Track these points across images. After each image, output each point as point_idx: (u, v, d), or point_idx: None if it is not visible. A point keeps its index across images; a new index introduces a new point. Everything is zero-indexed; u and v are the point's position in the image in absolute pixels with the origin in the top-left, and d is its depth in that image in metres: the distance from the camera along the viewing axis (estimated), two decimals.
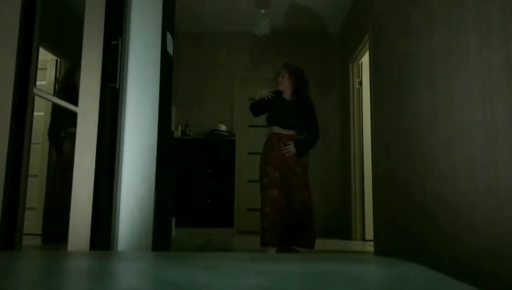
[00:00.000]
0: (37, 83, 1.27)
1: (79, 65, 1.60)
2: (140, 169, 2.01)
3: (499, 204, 1.55)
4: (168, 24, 2.51)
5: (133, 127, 1.90)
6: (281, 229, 2.95)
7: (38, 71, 1.27)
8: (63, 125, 1.69)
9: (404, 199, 2.60)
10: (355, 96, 4.31)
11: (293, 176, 3.03)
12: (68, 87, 1.71)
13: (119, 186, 1.75)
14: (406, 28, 2.62)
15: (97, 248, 1.63)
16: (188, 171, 4.62)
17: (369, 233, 3.92)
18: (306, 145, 3.12)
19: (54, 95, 1.56)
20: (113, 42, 1.78)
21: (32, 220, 1.46)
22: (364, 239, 4.07)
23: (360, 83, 4.29)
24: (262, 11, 4.36)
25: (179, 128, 4.78)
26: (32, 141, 1.25)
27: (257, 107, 3.26)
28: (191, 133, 4.82)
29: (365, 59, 4.09)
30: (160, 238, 2.30)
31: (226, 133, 4.79)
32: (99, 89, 1.70)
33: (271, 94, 3.19)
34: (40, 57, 1.29)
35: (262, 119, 3.33)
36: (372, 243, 3.55)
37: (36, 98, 1.28)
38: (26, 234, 1.23)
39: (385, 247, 3.04)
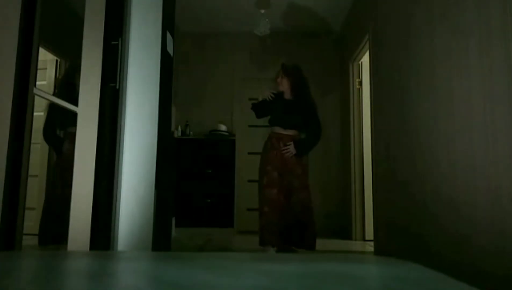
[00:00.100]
0: (37, 83, 1.27)
1: (79, 65, 1.60)
2: (140, 169, 2.01)
3: (499, 204, 1.55)
4: (168, 24, 2.51)
5: (133, 127, 1.90)
6: (280, 229, 2.95)
7: (38, 71, 1.27)
8: (59, 124, 1.69)
9: (404, 199, 2.60)
10: (355, 96, 4.31)
11: (292, 176, 3.02)
12: (68, 87, 1.71)
13: (119, 186, 1.75)
14: (406, 28, 2.62)
15: (97, 248, 1.63)
16: (188, 171, 4.62)
17: (369, 233, 3.92)
18: (306, 145, 3.11)
19: (53, 94, 1.55)
20: (113, 42, 1.78)
21: (32, 220, 1.47)
22: (364, 239, 4.07)
23: (360, 83, 4.29)
24: (262, 11, 4.36)
25: (179, 128, 4.78)
26: (32, 141, 1.25)
27: (259, 109, 3.26)
28: (191, 133, 4.82)
29: (365, 59, 4.09)
30: (160, 238, 2.30)
31: (226, 133, 4.79)
32: (99, 89, 1.70)
33: (272, 95, 3.20)
34: (40, 57, 1.29)
35: (262, 119, 3.34)
36: (372, 243, 3.55)
37: (36, 98, 1.28)
38: (26, 234, 1.23)
39: (385, 247, 3.04)
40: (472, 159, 1.76)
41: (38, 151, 1.54)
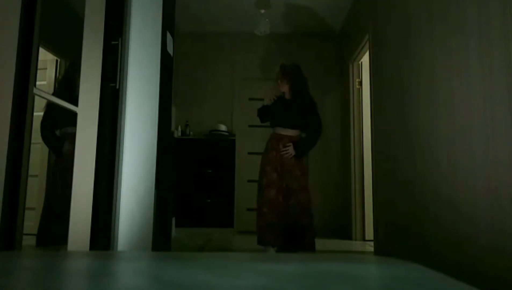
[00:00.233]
0: (37, 83, 1.27)
1: (79, 65, 1.60)
2: (140, 169, 2.01)
3: (499, 204, 1.55)
4: (168, 24, 2.51)
5: (133, 127, 1.90)
6: (279, 229, 2.95)
7: (38, 71, 1.27)
8: (56, 123, 1.69)
9: (404, 199, 2.60)
10: (355, 96, 4.31)
11: (291, 178, 3.02)
12: (67, 87, 1.71)
13: (119, 186, 1.75)
14: (406, 28, 2.62)
15: (97, 248, 1.63)
16: (188, 171, 4.62)
17: (369, 233, 3.92)
18: (306, 145, 3.11)
19: (53, 94, 1.55)
20: (113, 42, 1.78)
21: (32, 220, 1.46)
22: (364, 239, 4.07)
23: (360, 83, 4.29)
24: (262, 11, 4.36)
25: (179, 128, 4.78)
26: (32, 141, 1.25)
27: (263, 114, 3.27)
28: (191, 133, 4.82)
29: (365, 59, 4.09)
30: (160, 238, 2.30)
31: (226, 133, 4.79)
32: (99, 89, 1.70)
33: (274, 98, 3.23)
34: (40, 57, 1.29)
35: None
36: (372, 243, 3.55)
37: (36, 98, 1.28)
38: (26, 234, 1.23)
39: (385, 247, 3.04)
40: (472, 159, 1.76)
41: (38, 151, 1.54)
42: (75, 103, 1.56)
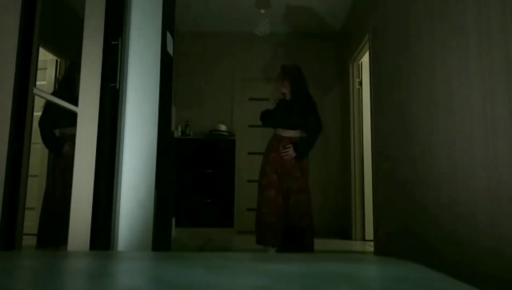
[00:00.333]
0: (37, 83, 1.27)
1: (79, 65, 1.60)
2: (140, 169, 2.01)
3: (499, 204, 1.55)
4: (168, 24, 2.51)
5: (133, 127, 1.90)
6: (279, 229, 2.96)
7: (38, 71, 1.27)
8: (55, 123, 1.69)
9: (404, 199, 2.60)
10: (355, 96, 4.31)
11: (291, 179, 3.03)
12: (68, 87, 1.71)
13: (119, 186, 1.75)
14: (406, 28, 2.62)
15: (97, 248, 1.63)
16: (188, 171, 4.62)
17: (369, 233, 3.92)
18: (306, 145, 3.11)
19: (53, 94, 1.55)
20: (113, 42, 1.78)
21: (32, 220, 1.46)
22: (364, 239, 4.07)
23: (360, 83, 4.29)
24: (262, 11, 4.36)
25: (179, 128, 4.78)
26: (32, 141, 1.25)
27: (265, 117, 3.28)
28: (191, 133, 4.82)
29: (365, 59, 4.09)
30: (160, 238, 2.30)
31: (226, 133, 4.79)
32: (99, 89, 1.70)
33: (276, 101, 3.26)
34: (40, 57, 1.29)
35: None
36: (372, 243, 3.55)
37: (36, 98, 1.28)
38: (26, 234, 1.23)
39: (385, 247, 3.04)
40: (472, 159, 1.76)
41: (38, 151, 1.54)
42: (75, 103, 1.56)
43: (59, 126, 1.72)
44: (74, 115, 1.55)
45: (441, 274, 0.50)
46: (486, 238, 1.63)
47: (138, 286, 0.43)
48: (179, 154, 4.63)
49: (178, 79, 4.90)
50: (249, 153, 4.90)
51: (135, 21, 1.91)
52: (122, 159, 1.77)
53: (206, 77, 5.06)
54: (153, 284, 0.44)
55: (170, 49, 2.55)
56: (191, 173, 4.62)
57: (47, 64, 1.60)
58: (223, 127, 4.80)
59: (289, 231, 3.00)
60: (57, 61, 1.66)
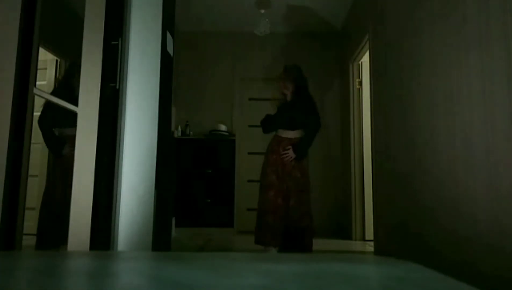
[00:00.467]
0: (37, 83, 1.27)
1: (79, 65, 1.60)
2: (140, 169, 2.01)
3: (499, 204, 1.55)
4: (168, 24, 2.51)
5: (133, 127, 1.90)
6: (278, 230, 2.97)
7: (38, 71, 1.27)
8: (54, 122, 1.69)
9: (404, 199, 2.60)
10: (355, 96, 4.31)
11: (291, 180, 3.04)
12: (67, 87, 1.71)
13: (119, 186, 1.75)
14: (406, 28, 2.62)
15: (97, 248, 1.63)
16: (188, 171, 4.62)
17: (369, 233, 3.92)
18: (305, 145, 3.11)
19: (53, 93, 1.55)
20: (113, 42, 1.78)
21: (32, 220, 1.47)
22: (364, 239, 4.07)
23: (360, 83, 4.29)
24: (262, 11, 4.36)
25: (179, 128, 4.78)
26: (32, 141, 1.25)
27: (266, 122, 3.28)
28: (191, 133, 4.82)
29: (365, 59, 4.09)
30: (160, 238, 2.30)
31: (226, 133, 4.79)
32: (99, 89, 1.70)
33: (277, 105, 3.28)
34: (40, 57, 1.29)
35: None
36: (372, 243, 3.55)
37: (36, 98, 1.28)
38: (26, 234, 1.23)
39: (385, 247, 3.04)
40: (472, 159, 1.76)
41: (38, 151, 1.54)
42: (75, 103, 1.56)
43: (59, 126, 1.72)
44: (74, 115, 1.55)
45: (441, 274, 0.50)
46: (486, 238, 1.63)
47: (138, 286, 0.43)
48: (179, 154, 4.63)
49: (178, 79, 4.90)
50: (249, 153, 4.90)
51: (135, 21, 1.91)
52: (122, 159, 1.77)
53: (206, 77, 5.06)
54: (153, 284, 0.44)
55: (170, 49, 2.55)
56: (191, 173, 4.62)
57: (47, 64, 1.61)
58: (223, 127, 4.80)
59: (289, 231, 3.00)
60: (57, 61, 1.66)
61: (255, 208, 3.13)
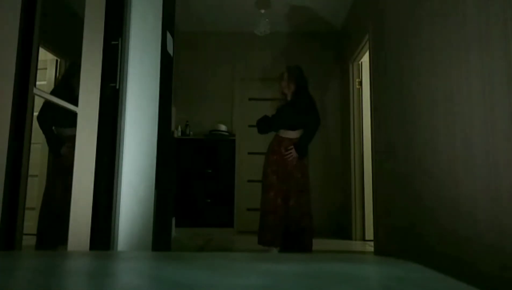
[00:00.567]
0: (37, 83, 1.27)
1: (79, 65, 1.60)
2: (140, 169, 2.01)
3: (499, 204, 1.55)
4: (168, 24, 2.51)
5: (133, 127, 1.90)
6: (279, 230, 2.97)
7: (38, 71, 1.27)
8: (54, 121, 1.69)
9: (404, 199, 2.61)
10: (355, 96, 4.31)
11: (292, 180, 3.05)
12: (67, 87, 1.71)
13: (119, 186, 1.75)
14: (406, 28, 2.62)
15: (97, 248, 1.63)
16: (188, 171, 4.62)
17: (369, 233, 3.92)
18: (305, 141, 3.12)
19: (52, 92, 1.55)
20: (113, 42, 1.78)
21: (32, 220, 1.46)
22: (364, 239, 4.07)
23: (360, 83, 4.29)
24: (262, 11, 4.36)
25: (179, 128, 4.78)
26: (32, 141, 1.25)
27: (262, 123, 3.29)
28: (191, 133, 4.82)
29: (365, 59, 4.09)
30: (160, 238, 2.30)
31: (226, 133, 4.79)
32: (99, 89, 1.70)
33: (278, 106, 3.29)
34: (40, 57, 1.29)
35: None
36: (372, 243, 3.55)
37: (36, 98, 1.28)
38: (26, 234, 1.23)
39: (385, 247, 3.04)
40: (472, 159, 1.76)
41: (38, 151, 1.54)
42: (75, 103, 1.56)
43: (59, 126, 1.72)
44: (74, 115, 1.55)
45: (441, 274, 0.50)
46: (486, 238, 1.63)
47: (138, 286, 0.43)
48: (179, 154, 4.63)
49: (178, 79, 4.90)
50: (249, 153, 4.90)
51: (135, 21, 1.91)
52: (122, 159, 1.77)
53: (206, 77, 5.06)
54: (153, 284, 0.44)
55: (170, 49, 2.55)
56: (191, 173, 4.62)
57: (47, 64, 1.60)
58: (223, 127, 4.80)
59: (289, 231, 3.01)
60: (57, 61, 1.66)
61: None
